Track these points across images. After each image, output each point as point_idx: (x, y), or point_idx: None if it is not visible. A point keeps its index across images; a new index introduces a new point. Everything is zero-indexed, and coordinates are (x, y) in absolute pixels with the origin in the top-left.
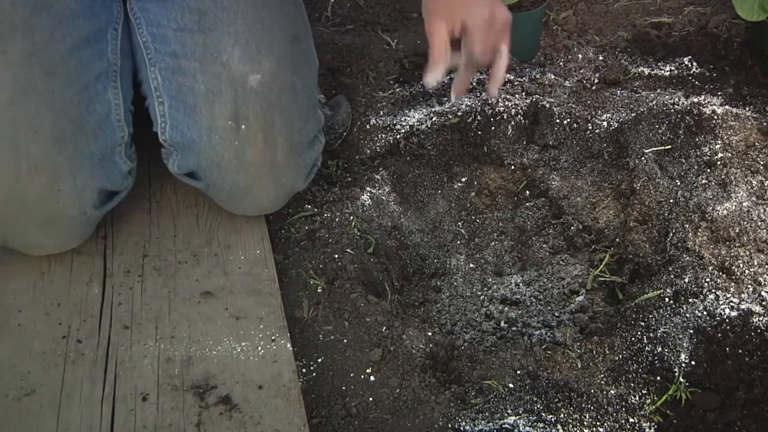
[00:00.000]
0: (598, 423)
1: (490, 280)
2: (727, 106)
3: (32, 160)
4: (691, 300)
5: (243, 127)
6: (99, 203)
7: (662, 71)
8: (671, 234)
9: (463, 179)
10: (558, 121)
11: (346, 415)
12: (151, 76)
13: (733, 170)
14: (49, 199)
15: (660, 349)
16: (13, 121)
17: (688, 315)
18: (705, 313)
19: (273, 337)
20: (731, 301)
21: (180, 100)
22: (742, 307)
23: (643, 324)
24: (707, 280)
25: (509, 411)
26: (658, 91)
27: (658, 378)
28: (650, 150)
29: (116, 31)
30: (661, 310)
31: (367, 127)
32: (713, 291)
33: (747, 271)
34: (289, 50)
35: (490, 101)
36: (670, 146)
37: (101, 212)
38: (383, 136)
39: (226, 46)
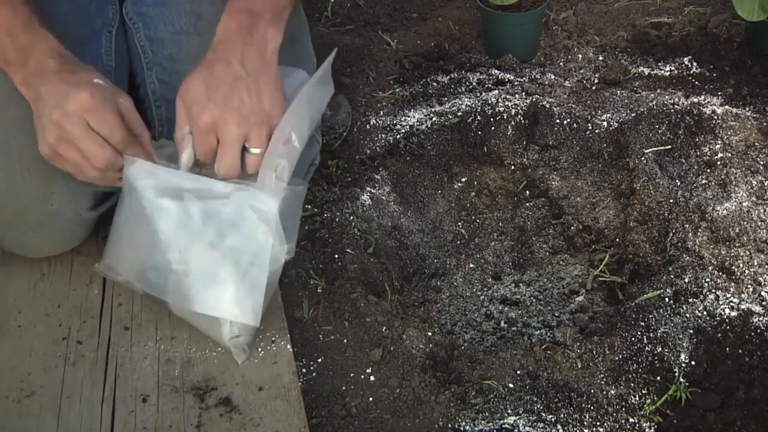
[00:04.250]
0: (598, 423)
1: (490, 280)
2: (727, 106)
3: (25, 164)
4: (691, 300)
5: None
6: (94, 204)
7: (662, 71)
8: (671, 234)
9: (463, 179)
10: (558, 121)
11: (346, 415)
12: (148, 80)
13: (733, 170)
14: (44, 203)
15: (660, 349)
16: (5, 125)
17: (688, 315)
18: (705, 313)
19: (273, 338)
20: (731, 301)
21: None
22: (742, 307)
23: (643, 324)
24: (707, 280)
25: (509, 411)
26: (658, 91)
27: (658, 378)
28: (650, 150)
29: (110, 33)
30: (661, 310)
31: (367, 127)
32: (713, 291)
33: (747, 271)
34: (286, 52)
35: (490, 101)
36: (670, 146)
37: (97, 213)
38: (383, 136)
39: None
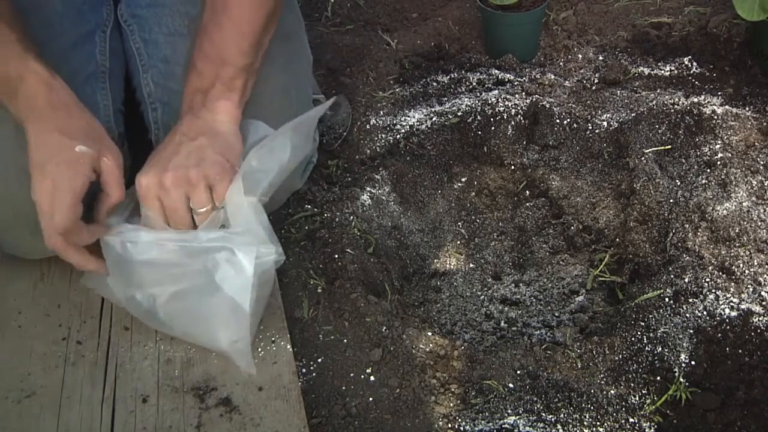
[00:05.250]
0: (598, 423)
1: (490, 280)
2: (727, 106)
3: (19, 167)
4: (691, 300)
5: None
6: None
7: (662, 71)
8: (671, 234)
9: (463, 179)
10: (558, 121)
11: (346, 415)
12: (143, 82)
13: (733, 170)
14: None
15: (660, 349)
16: None
17: (688, 315)
18: (705, 313)
19: (273, 338)
20: (731, 301)
21: (173, 106)
22: (742, 307)
23: (643, 324)
24: (707, 280)
25: (509, 411)
26: (658, 91)
27: (658, 378)
28: (650, 150)
29: (105, 33)
30: (661, 310)
31: (367, 127)
32: (713, 291)
33: (747, 271)
34: (280, 50)
35: (490, 101)
36: (670, 146)
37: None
38: (383, 136)
39: None
